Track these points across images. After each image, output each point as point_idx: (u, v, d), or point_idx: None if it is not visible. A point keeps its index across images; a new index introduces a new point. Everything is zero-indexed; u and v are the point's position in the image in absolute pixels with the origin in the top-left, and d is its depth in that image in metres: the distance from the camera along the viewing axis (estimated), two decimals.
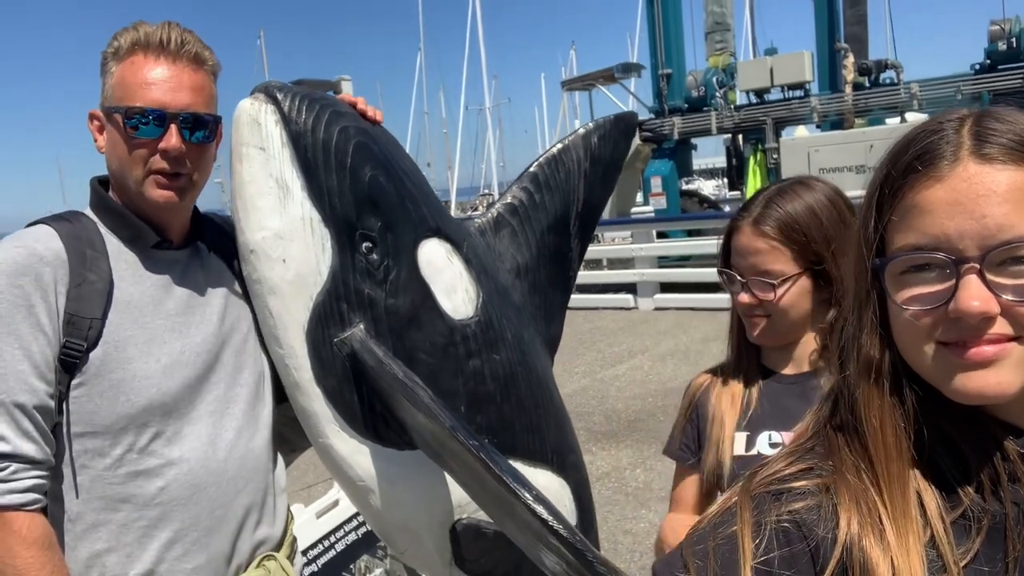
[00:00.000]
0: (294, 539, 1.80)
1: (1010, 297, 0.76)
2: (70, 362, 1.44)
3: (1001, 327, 0.77)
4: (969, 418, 0.83)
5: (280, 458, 1.80)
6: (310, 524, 3.02)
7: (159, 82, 1.51)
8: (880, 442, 0.85)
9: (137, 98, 1.50)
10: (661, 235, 13.91)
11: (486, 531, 1.70)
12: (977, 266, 0.77)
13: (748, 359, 1.77)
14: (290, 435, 1.88)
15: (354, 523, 3.20)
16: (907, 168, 0.82)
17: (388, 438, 1.63)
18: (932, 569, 0.80)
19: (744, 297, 1.67)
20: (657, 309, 12.13)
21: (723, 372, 1.81)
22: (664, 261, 13.38)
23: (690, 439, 1.82)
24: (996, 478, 0.82)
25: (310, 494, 5.08)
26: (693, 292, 11.83)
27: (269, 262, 1.55)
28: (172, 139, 1.50)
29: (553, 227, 1.91)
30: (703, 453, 1.75)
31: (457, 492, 1.67)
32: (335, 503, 3.18)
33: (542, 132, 59.26)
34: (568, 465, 1.86)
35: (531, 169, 1.91)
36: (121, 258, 1.54)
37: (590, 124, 1.98)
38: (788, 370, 1.75)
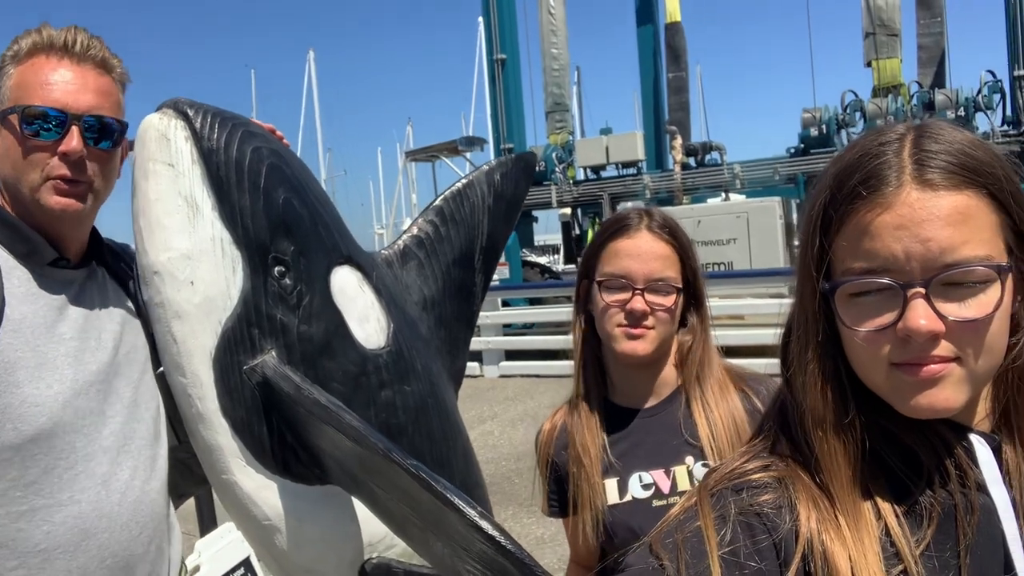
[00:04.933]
0: None
1: (953, 319, 0.82)
2: None
3: (945, 349, 0.83)
4: (915, 420, 0.88)
5: (171, 504, 1.66)
6: None
7: (61, 83, 1.41)
8: (827, 451, 0.89)
9: (36, 98, 1.40)
10: (505, 303, 14.12)
11: (396, 570, 1.63)
12: (923, 290, 0.82)
13: (597, 396, 1.74)
14: (177, 479, 1.75)
15: None
16: (852, 193, 0.86)
17: (298, 472, 1.54)
18: (888, 559, 0.85)
19: (639, 303, 1.64)
20: (503, 376, 12.23)
21: (571, 416, 1.76)
22: (508, 329, 13.56)
23: (556, 494, 1.79)
24: (944, 471, 0.87)
25: None
26: (537, 359, 12.01)
27: (175, 284, 1.46)
28: (73, 142, 1.40)
29: (458, 261, 1.90)
30: (579, 504, 1.70)
31: (369, 529, 1.60)
32: (196, 568, 2.96)
33: (378, 206, 59.28)
34: (476, 499, 1.80)
35: (436, 203, 1.91)
36: (13, 274, 1.39)
37: (492, 162, 2.00)
38: (648, 402, 1.74)
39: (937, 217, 0.82)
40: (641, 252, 1.66)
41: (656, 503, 1.64)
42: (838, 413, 0.89)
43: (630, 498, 1.66)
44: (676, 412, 1.72)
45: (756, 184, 14.57)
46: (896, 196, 0.83)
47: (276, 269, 1.52)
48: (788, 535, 0.87)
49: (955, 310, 0.82)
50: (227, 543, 3.03)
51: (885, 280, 0.83)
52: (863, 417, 0.89)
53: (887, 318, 0.84)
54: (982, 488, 0.86)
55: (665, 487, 1.66)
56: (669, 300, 1.66)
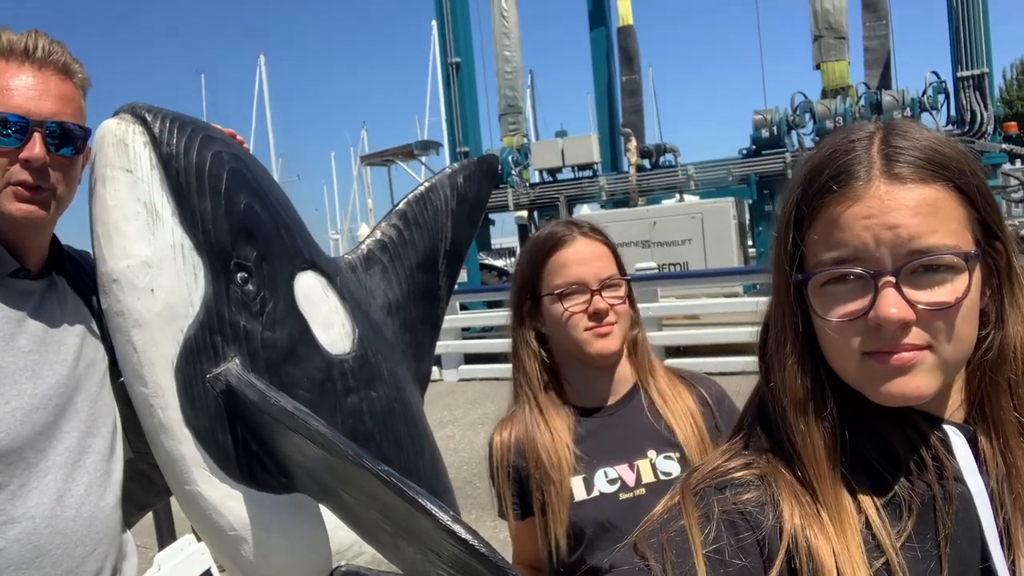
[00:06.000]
0: None
1: (923, 307, 0.84)
2: None
3: (916, 336, 0.84)
4: (891, 412, 0.89)
5: (124, 521, 1.63)
6: None
7: (22, 89, 1.38)
8: (808, 445, 0.90)
9: None
10: (463, 307, 14.09)
11: None
12: (893, 279, 0.83)
13: (556, 402, 1.78)
14: (137, 490, 1.72)
15: None
16: (823, 188, 0.88)
17: (264, 481, 1.52)
18: (870, 551, 0.85)
19: (600, 302, 1.72)
20: (462, 380, 12.20)
21: (527, 424, 1.78)
22: (467, 333, 13.53)
23: (518, 495, 1.81)
24: (921, 463, 0.88)
25: None
26: (497, 363, 12.00)
27: (135, 292, 1.43)
28: (35, 148, 1.36)
29: (423, 264, 1.89)
30: (544, 504, 1.72)
31: (337, 537, 1.58)
32: None
33: (332, 211, 58.86)
34: (445, 504, 1.80)
35: (399, 207, 1.90)
36: None
37: (455, 165, 2.00)
38: (608, 400, 1.79)
39: (906, 207, 0.84)
40: (584, 257, 1.74)
41: (623, 496, 1.70)
42: (817, 406, 0.90)
43: (597, 493, 1.71)
44: (636, 408, 1.78)
45: (710, 185, 14.75)
46: (866, 189, 0.85)
47: (239, 275, 1.50)
48: (772, 532, 0.87)
49: (924, 296, 0.84)
50: (187, 556, 2.99)
51: (856, 269, 0.85)
52: (841, 411, 0.90)
53: (858, 305, 0.85)
54: (959, 478, 0.88)
55: (630, 480, 1.71)
56: (622, 291, 1.76)
